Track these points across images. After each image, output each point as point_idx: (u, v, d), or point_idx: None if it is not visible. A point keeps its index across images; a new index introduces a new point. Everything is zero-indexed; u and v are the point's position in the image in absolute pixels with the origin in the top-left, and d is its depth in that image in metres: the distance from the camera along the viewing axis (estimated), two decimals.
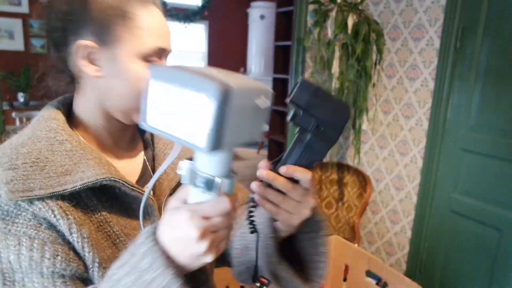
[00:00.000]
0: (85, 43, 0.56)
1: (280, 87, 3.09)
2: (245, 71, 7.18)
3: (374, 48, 2.23)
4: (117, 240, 0.58)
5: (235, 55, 7.16)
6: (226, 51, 7.07)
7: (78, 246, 0.53)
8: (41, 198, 0.52)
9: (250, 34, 6.91)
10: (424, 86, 2.22)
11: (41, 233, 0.51)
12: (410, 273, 2.38)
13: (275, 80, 3.05)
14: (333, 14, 2.16)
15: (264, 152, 5.58)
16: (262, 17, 6.65)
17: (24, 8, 5.06)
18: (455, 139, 2.09)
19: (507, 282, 1.90)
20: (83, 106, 0.62)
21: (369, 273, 1.50)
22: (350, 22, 2.13)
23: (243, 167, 5.45)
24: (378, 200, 2.59)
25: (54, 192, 0.52)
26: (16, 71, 5.05)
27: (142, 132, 0.73)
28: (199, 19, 6.33)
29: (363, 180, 2.63)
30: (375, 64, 2.32)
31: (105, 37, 0.56)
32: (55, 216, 0.52)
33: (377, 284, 1.45)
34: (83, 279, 0.54)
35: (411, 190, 2.35)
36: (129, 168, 0.66)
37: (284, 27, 2.96)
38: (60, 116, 0.60)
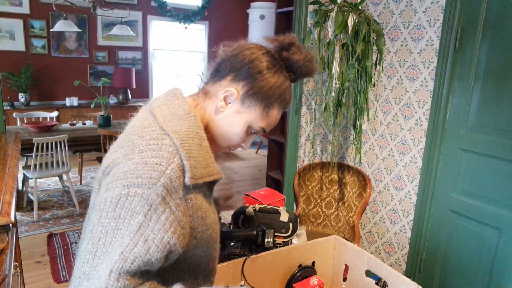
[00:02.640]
0: (234, 92, 0.77)
1: None
2: None
3: (374, 48, 2.24)
4: (211, 208, 0.77)
5: None
6: None
7: (202, 216, 0.71)
8: (197, 184, 0.69)
9: (250, 34, 6.91)
10: (424, 86, 2.22)
11: (178, 212, 0.65)
12: (409, 273, 2.38)
13: None
14: (333, 14, 2.17)
15: (264, 152, 5.58)
16: (262, 17, 6.65)
17: (25, 9, 5.07)
18: (454, 139, 2.09)
19: (506, 281, 1.91)
20: (200, 113, 0.81)
21: (369, 273, 1.50)
22: (350, 22, 2.14)
23: (243, 167, 5.46)
24: (378, 200, 2.59)
25: (204, 182, 0.70)
26: (17, 71, 5.06)
27: None
28: (199, 19, 6.34)
29: (363, 180, 2.63)
30: (375, 64, 2.32)
31: (247, 99, 0.77)
32: (195, 195, 0.69)
33: (376, 283, 1.45)
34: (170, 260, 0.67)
35: (410, 190, 2.36)
36: None
37: (284, 27, 2.96)
38: (196, 113, 0.77)
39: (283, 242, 1.28)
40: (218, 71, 0.80)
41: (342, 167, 2.74)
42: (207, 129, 0.80)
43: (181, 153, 0.67)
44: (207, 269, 0.78)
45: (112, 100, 5.69)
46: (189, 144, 0.69)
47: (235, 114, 0.78)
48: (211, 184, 0.77)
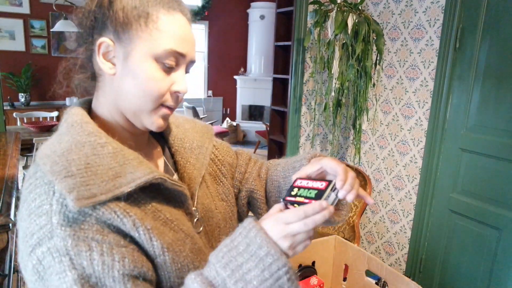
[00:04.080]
0: (104, 40, 0.59)
1: (280, 87, 3.09)
2: (245, 71, 7.18)
3: (374, 48, 2.24)
4: (172, 225, 0.61)
5: (235, 55, 7.16)
6: (226, 51, 7.07)
7: (145, 238, 0.56)
8: (103, 202, 0.53)
9: (250, 34, 6.91)
10: (424, 86, 2.22)
11: (105, 237, 0.52)
12: (409, 273, 2.38)
13: (275, 80, 3.06)
14: (333, 14, 2.17)
15: (264, 151, 5.57)
16: (262, 17, 6.65)
17: (25, 9, 5.07)
18: (454, 139, 2.09)
19: (506, 281, 1.91)
20: (103, 106, 0.64)
21: (368, 273, 1.50)
22: (350, 22, 2.14)
23: None
24: (378, 200, 2.59)
25: (114, 195, 0.53)
26: (17, 71, 5.06)
27: (153, 133, 0.76)
28: (199, 19, 6.33)
29: (363, 180, 2.63)
30: (375, 64, 2.32)
31: (123, 35, 0.58)
32: (118, 216, 0.54)
33: (376, 283, 1.45)
34: (150, 280, 0.56)
35: (410, 189, 2.36)
36: (154, 165, 0.70)
37: (284, 27, 2.96)
38: (90, 119, 0.61)
39: None
40: (84, 42, 0.62)
41: None
42: (123, 113, 0.63)
43: (52, 179, 0.52)
44: None
45: None
46: (66, 161, 0.53)
47: (126, 61, 0.59)
48: (160, 194, 0.61)
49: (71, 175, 0.52)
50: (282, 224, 0.53)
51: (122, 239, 0.54)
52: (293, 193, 0.62)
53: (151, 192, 0.60)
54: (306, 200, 0.59)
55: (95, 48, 0.60)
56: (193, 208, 0.69)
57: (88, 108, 0.66)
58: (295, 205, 0.59)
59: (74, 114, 0.61)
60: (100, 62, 0.60)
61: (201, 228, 0.70)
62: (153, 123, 0.63)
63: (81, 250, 0.50)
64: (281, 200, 0.62)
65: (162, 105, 0.62)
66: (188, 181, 0.72)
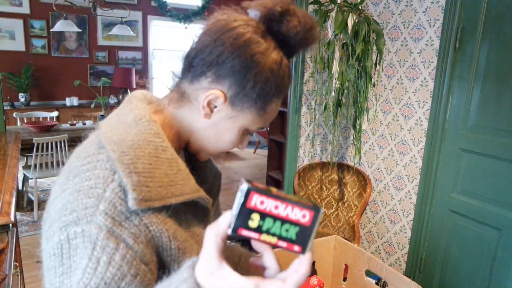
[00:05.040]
0: (220, 94, 0.58)
1: None
2: None
3: (374, 48, 2.24)
4: (198, 239, 0.60)
5: None
6: None
7: (174, 251, 0.55)
8: (153, 208, 0.53)
9: None
10: (424, 86, 2.22)
11: (136, 244, 0.50)
12: (409, 273, 2.38)
13: None
14: (333, 14, 2.17)
15: (264, 151, 5.58)
16: None
17: (25, 9, 5.07)
18: (454, 139, 2.09)
19: (506, 281, 1.91)
20: (177, 119, 0.64)
21: (368, 273, 1.50)
22: (350, 22, 2.14)
23: (243, 167, 5.46)
24: (378, 200, 2.59)
25: (165, 204, 0.53)
26: (17, 71, 5.06)
27: None
28: (199, 19, 6.33)
29: (363, 180, 2.63)
30: (375, 64, 2.32)
31: (238, 101, 0.59)
32: (160, 224, 0.53)
33: (376, 283, 1.45)
34: None
35: (410, 189, 2.36)
36: None
37: None
38: (156, 119, 0.60)
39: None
40: (192, 66, 0.60)
41: (342, 167, 2.74)
42: (190, 139, 0.65)
43: (118, 168, 0.51)
44: None
45: (112, 100, 5.69)
46: (133, 155, 0.53)
47: (225, 120, 0.61)
48: (191, 208, 0.60)
49: (137, 171, 0.52)
50: None
51: (149, 254, 0.52)
52: (251, 224, 0.41)
53: (185, 205, 0.59)
54: (283, 244, 0.41)
55: (205, 88, 0.59)
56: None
57: (149, 101, 0.67)
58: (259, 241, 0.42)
59: (141, 107, 0.60)
60: (202, 103, 0.60)
61: None
62: (204, 158, 0.69)
63: (109, 245, 0.49)
64: (229, 230, 0.42)
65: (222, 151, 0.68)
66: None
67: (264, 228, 0.40)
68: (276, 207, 0.41)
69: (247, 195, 0.40)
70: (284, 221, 0.41)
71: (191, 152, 0.68)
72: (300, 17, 0.58)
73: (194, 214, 0.62)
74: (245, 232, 0.41)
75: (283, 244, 0.41)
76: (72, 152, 0.60)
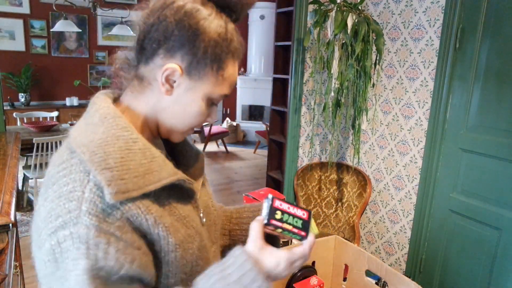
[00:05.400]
0: (175, 67, 0.61)
1: (280, 87, 3.09)
2: (245, 71, 7.18)
3: (374, 48, 2.24)
4: (185, 221, 0.64)
5: None
6: None
7: (163, 236, 0.59)
8: (132, 198, 0.56)
9: (250, 34, 6.91)
10: (424, 86, 2.22)
11: (124, 234, 0.54)
12: (409, 273, 2.38)
13: (275, 80, 3.06)
14: (332, 14, 2.17)
15: (264, 151, 5.58)
16: (262, 17, 6.65)
17: (25, 9, 5.07)
18: (454, 139, 2.09)
19: (506, 281, 1.91)
20: (140, 107, 0.66)
21: (368, 273, 1.50)
22: (350, 22, 2.14)
23: (243, 167, 5.46)
24: (378, 200, 2.59)
25: (143, 192, 0.56)
26: (17, 71, 5.06)
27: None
28: None
29: (363, 180, 2.63)
30: (375, 64, 2.32)
31: (194, 71, 0.62)
32: (142, 213, 0.56)
33: (376, 283, 1.45)
34: (149, 285, 0.59)
35: (410, 190, 2.36)
36: None
37: (284, 27, 2.96)
38: (121, 114, 0.63)
39: (283, 242, 1.28)
40: (144, 48, 0.62)
41: (342, 167, 2.74)
42: (158, 123, 0.66)
43: (91, 168, 0.54)
44: None
45: None
46: (103, 153, 0.55)
47: (186, 92, 0.63)
48: (175, 192, 0.63)
49: (109, 167, 0.54)
50: (289, 264, 0.61)
51: (137, 240, 0.56)
52: (277, 216, 0.65)
53: (167, 190, 0.62)
54: (295, 230, 0.66)
55: (160, 65, 0.61)
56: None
57: (113, 99, 0.69)
58: (280, 230, 0.65)
59: (105, 106, 0.62)
60: (160, 81, 0.62)
61: (204, 220, 0.72)
62: (178, 138, 0.70)
63: (100, 242, 0.51)
64: (265, 221, 0.64)
65: (193, 129, 0.69)
66: (192, 178, 0.75)
67: (284, 219, 0.65)
68: (289, 208, 0.67)
69: (272, 201, 0.66)
70: (294, 216, 0.66)
71: (163, 137, 0.70)
72: None
73: (179, 197, 0.65)
74: (273, 222, 0.65)
75: (295, 230, 0.66)
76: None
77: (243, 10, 0.66)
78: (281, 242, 0.89)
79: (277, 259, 0.60)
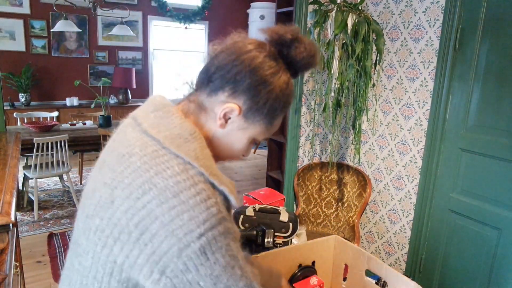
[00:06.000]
0: (235, 107, 0.67)
1: None
2: None
3: (374, 48, 2.24)
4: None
5: None
6: None
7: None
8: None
9: (250, 34, 6.91)
10: (424, 86, 2.22)
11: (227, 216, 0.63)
12: (409, 273, 2.38)
13: None
14: (332, 14, 2.17)
15: (264, 151, 5.58)
16: (262, 17, 6.66)
17: (25, 9, 5.07)
18: (454, 139, 2.09)
19: (506, 281, 1.91)
20: (198, 128, 0.72)
21: (368, 273, 1.50)
22: (350, 22, 2.14)
23: (243, 167, 5.46)
24: (378, 200, 2.59)
25: (223, 190, 0.65)
26: (17, 71, 5.06)
27: None
28: (199, 19, 6.34)
29: (363, 180, 2.63)
30: (375, 64, 2.32)
31: (251, 115, 0.68)
32: (227, 212, 0.65)
33: (376, 283, 1.45)
34: None
35: (410, 189, 2.36)
36: None
37: None
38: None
39: (283, 242, 1.28)
40: (211, 81, 0.67)
41: (342, 167, 2.74)
42: (208, 145, 0.71)
43: (214, 181, 0.63)
44: None
45: (112, 100, 5.70)
46: (212, 168, 0.65)
47: (238, 131, 0.70)
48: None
49: (222, 183, 0.64)
50: None
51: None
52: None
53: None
54: None
55: (222, 101, 0.67)
56: None
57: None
58: None
59: (183, 118, 0.67)
60: (218, 114, 0.68)
61: None
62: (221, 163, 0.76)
63: (232, 226, 0.63)
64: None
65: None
66: None
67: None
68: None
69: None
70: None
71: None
72: (306, 44, 0.70)
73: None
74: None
75: None
76: (109, 147, 0.68)
77: (304, 71, 0.73)
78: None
79: None
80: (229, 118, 0.68)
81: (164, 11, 5.93)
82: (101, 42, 5.66)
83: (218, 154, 0.72)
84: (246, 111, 0.67)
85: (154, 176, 0.59)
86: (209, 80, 0.68)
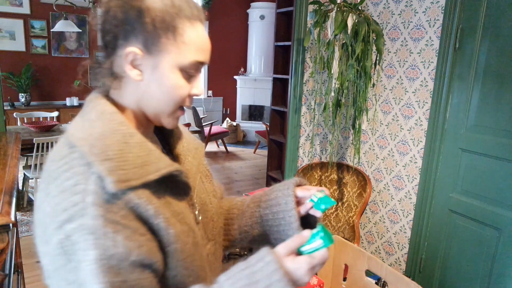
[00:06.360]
0: (133, 50, 0.62)
1: (280, 87, 3.09)
2: (245, 71, 7.18)
3: (374, 48, 2.24)
4: (179, 217, 0.65)
5: (235, 55, 7.16)
6: (226, 51, 7.07)
7: (163, 226, 0.60)
8: (133, 188, 0.57)
9: (250, 34, 6.91)
10: (424, 86, 2.22)
11: (130, 222, 0.56)
12: (409, 273, 2.38)
13: (275, 80, 3.06)
14: (332, 14, 2.17)
15: (264, 151, 5.58)
16: (262, 17, 6.65)
17: (26, 9, 5.07)
18: (454, 139, 2.09)
19: (506, 281, 1.91)
20: (127, 101, 0.67)
21: (368, 273, 1.50)
22: (350, 22, 2.14)
23: (243, 167, 5.46)
24: (378, 200, 2.59)
25: (144, 182, 0.58)
26: (17, 71, 5.06)
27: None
28: None
29: (363, 180, 2.63)
30: (375, 64, 2.32)
31: (151, 46, 0.62)
32: (143, 202, 0.58)
33: (376, 283, 1.45)
34: (157, 271, 0.60)
35: (410, 189, 2.36)
36: None
37: (284, 27, 2.96)
38: (118, 110, 0.65)
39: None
40: (106, 44, 0.64)
41: (342, 167, 2.74)
42: (144, 111, 0.67)
43: (92, 160, 0.56)
44: None
45: None
46: (102, 145, 0.58)
47: (154, 71, 0.63)
48: (171, 187, 0.64)
49: (108, 158, 0.56)
50: (310, 269, 0.60)
51: (142, 226, 0.58)
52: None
53: (164, 184, 0.63)
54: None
55: (122, 55, 0.63)
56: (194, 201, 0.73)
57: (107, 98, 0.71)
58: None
59: (102, 103, 0.65)
60: (127, 69, 0.63)
61: (200, 218, 0.73)
62: (169, 123, 0.69)
63: (108, 231, 0.53)
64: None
65: (180, 108, 0.68)
66: (188, 175, 0.76)
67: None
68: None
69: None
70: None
71: (157, 125, 0.70)
72: None
73: (175, 193, 0.66)
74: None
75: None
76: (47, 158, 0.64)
77: None
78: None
79: (298, 264, 0.59)
80: (139, 65, 0.63)
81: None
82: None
83: (159, 107, 0.66)
84: (145, 46, 0.62)
85: (48, 164, 0.60)
86: (104, 46, 0.65)
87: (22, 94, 5.08)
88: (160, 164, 0.61)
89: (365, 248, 2.75)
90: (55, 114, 4.67)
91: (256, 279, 0.56)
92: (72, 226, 0.53)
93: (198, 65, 0.65)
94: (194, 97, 0.69)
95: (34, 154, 3.29)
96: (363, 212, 2.67)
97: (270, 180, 3.18)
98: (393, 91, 2.41)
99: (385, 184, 2.53)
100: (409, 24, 2.28)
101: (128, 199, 0.57)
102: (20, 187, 3.86)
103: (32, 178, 3.39)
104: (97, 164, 0.56)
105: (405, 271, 2.42)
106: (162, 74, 0.63)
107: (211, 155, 6.02)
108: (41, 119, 4.54)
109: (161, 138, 0.79)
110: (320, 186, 2.74)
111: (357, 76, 2.22)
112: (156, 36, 0.61)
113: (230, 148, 6.46)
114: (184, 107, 0.69)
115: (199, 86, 0.68)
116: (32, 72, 5.13)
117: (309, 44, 2.51)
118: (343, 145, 2.82)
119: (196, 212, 0.72)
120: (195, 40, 0.64)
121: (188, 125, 5.27)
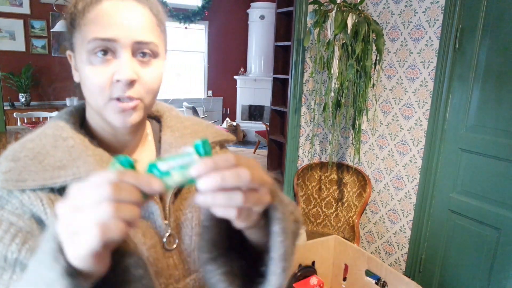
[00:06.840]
0: (68, 53, 0.63)
1: (280, 87, 3.09)
2: (245, 71, 7.18)
3: (374, 48, 2.24)
4: None
5: (235, 55, 7.16)
6: (226, 51, 7.07)
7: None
8: (33, 189, 0.56)
9: (250, 34, 6.91)
10: (424, 86, 2.22)
11: (21, 222, 0.55)
12: (409, 273, 2.38)
13: (275, 80, 3.06)
14: (332, 14, 2.17)
15: (264, 151, 5.58)
16: (262, 17, 6.66)
17: (25, 9, 5.07)
18: (454, 139, 2.10)
19: (506, 281, 1.91)
20: (87, 111, 0.66)
21: (368, 273, 1.50)
22: (350, 22, 2.14)
23: None
24: (378, 200, 2.59)
25: (45, 185, 0.56)
26: (17, 71, 5.06)
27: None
28: (199, 19, 6.34)
29: (362, 180, 2.63)
30: (375, 64, 2.32)
31: (72, 46, 0.61)
32: (43, 205, 0.56)
33: (376, 283, 1.46)
34: None
35: (410, 189, 2.36)
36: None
37: (284, 27, 2.96)
38: (71, 118, 0.64)
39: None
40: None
41: (342, 167, 2.74)
42: (95, 111, 0.62)
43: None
44: None
45: None
46: (20, 147, 0.58)
47: (79, 68, 0.60)
48: None
49: (15, 160, 0.57)
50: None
51: (37, 229, 0.55)
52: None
53: None
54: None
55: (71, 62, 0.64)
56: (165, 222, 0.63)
57: (83, 112, 0.69)
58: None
59: (59, 112, 0.66)
60: (73, 72, 0.63)
61: (174, 245, 0.64)
62: (113, 120, 0.59)
63: None
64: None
65: (112, 98, 0.58)
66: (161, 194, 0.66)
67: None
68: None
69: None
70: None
71: (110, 125, 0.62)
72: None
73: None
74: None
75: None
76: None
77: None
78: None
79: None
80: (76, 66, 0.61)
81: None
82: None
83: (96, 107, 0.60)
84: (71, 48, 0.61)
85: None
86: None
87: (22, 94, 5.08)
88: (82, 169, 0.56)
89: (365, 248, 2.75)
90: (55, 114, 4.67)
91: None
92: None
93: (104, 43, 0.55)
94: (120, 82, 0.57)
95: None
96: (363, 212, 2.68)
97: None
98: (393, 91, 2.41)
99: (385, 184, 2.53)
100: (409, 24, 2.28)
101: (25, 199, 0.56)
102: None
103: None
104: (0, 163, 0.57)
105: (405, 271, 2.42)
106: (81, 68, 0.59)
107: None
108: (41, 119, 4.54)
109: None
110: (320, 186, 2.75)
111: (357, 76, 2.22)
112: (70, 33, 0.60)
113: (230, 148, 6.42)
114: (122, 98, 0.58)
115: (122, 69, 0.56)
116: (32, 72, 5.13)
117: (309, 44, 2.52)
118: (343, 145, 2.82)
119: (167, 235, 0.62)
120: (95, 18, 0.56)
121: None
